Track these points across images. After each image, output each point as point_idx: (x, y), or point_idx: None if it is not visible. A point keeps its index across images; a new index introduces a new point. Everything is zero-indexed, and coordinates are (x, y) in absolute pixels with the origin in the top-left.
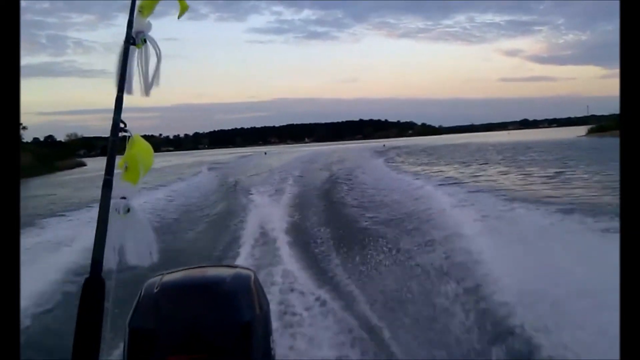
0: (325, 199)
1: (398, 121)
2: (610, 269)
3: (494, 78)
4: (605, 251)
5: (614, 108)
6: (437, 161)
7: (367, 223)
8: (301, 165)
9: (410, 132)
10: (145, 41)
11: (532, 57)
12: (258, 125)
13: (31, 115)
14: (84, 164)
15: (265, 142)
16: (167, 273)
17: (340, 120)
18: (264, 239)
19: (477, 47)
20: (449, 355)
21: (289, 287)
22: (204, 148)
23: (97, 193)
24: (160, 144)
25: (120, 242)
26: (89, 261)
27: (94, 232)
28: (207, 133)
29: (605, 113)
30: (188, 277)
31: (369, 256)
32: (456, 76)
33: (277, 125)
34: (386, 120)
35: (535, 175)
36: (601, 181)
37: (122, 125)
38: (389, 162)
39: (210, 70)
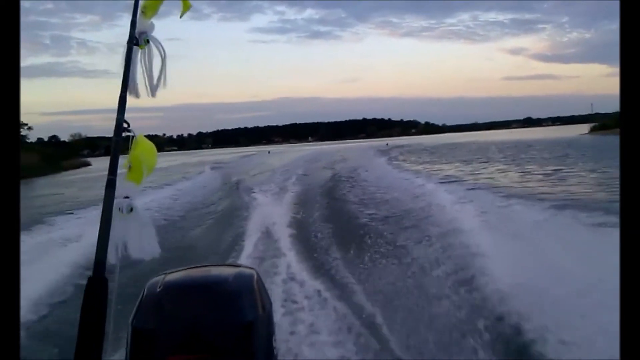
0: (328, 197)
1: (401, 120)
2: (599, 261)
3: (498, 76)
4: (594, 244)
5: (618, 106)
6: (438, 160)
7: (366, 220)
8: (304, 165)
9: (413, 131)
10: (148, 42)
11: (536, 55)
12: (261, 125)
13: (35, 115)
14: (88, 164)
15: (269, 142)
16: (170, 272)
17: (343, 120)
18: (267, 234)
19: (480, 45)
20: (440, 341)
21: (290, 277)
22: (207, 148)
23: (103, 192)
24: (163, 143)
25: (123, 242)
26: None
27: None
28: (210, 133)
29: (610, 111)
30: (190, 277)
31: (367, 250)
32: (459, 75)
33: (280, 124)
34: (389, 119)
35: (533, 173)
36: (597, 178)
37: (125, 125)
38: (391, 161)
39: (213, 70)
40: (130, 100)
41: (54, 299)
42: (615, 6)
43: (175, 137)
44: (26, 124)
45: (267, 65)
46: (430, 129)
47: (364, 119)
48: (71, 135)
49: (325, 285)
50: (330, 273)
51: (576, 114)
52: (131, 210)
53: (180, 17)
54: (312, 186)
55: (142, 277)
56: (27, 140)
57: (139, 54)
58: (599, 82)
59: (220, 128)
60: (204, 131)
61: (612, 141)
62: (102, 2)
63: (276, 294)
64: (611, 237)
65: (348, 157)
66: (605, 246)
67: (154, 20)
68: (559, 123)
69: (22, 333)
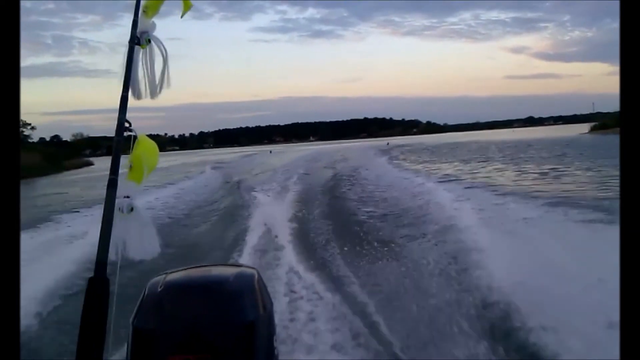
0: (328, 195)
1: (403, 119)
2: (589, 255)
3: (499, 75)
4: (585, 240)
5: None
6: (438, 159)
7: (366, 217)
8: (305, 164)
9: (415, 130)
10: (149, 41)
11: (538, 54)
12: (263, 124)
13: (36, 115)
14: (91, 164)
15: (270, 141)
16: (171, 272)
17: (344, 119)
18: (269, 232)
19: (482, 44)
20: (435, 334)
21: (291, 274)
22: (209, 147)
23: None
24: (165, 143)
25: (124, 242)
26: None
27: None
28: (212, 132)
29: (612, 110)
30: (191, 277)
31: (367, 247)
32: (461, 74)
33: (281, 124)
34: (391, 119)
35: (530, 172)
36: (591, 177)
37: (127, 124)
38: (391, 160)
39: (215, 69)
40: (131, 100)
41: (57, 297)
42: (617, 5)
43: (176, 136)
44: (29, 124)
45: (268, 64)
46: (431, 128)
47: (366, 119)
48: (73, 135)
49: (325, 281)
50: (331, 270)
51: (578, 113)
52: (131, 210)
53: (182, 17)
54: (313, 185)
55: (143, 277)
56: (30, 140)
57: (140, 54)
58: (601, 81)
59: (221, 128)
60: (206, 131)
61: (611, 140)
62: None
63: (277, 290)
64: (601, 233)
65: (349, 157)
66: (596, 242)
67: (155, 20)
68: (560, 122)
69: (23, 333)
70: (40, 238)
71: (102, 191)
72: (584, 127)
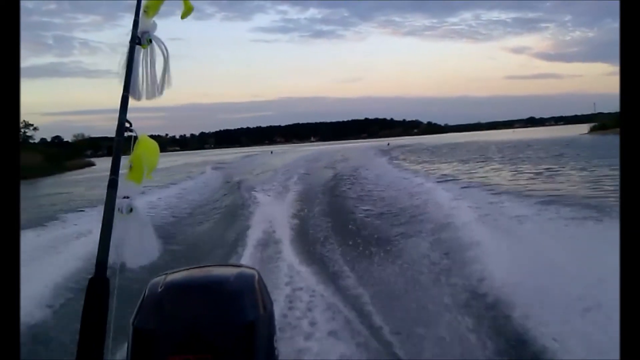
0: (329, 194)
1: (404, 120)
2: (576, 249)
3: (500, 76)
4: (573, 235)
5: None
6: (437, 159)
7: (365, 215)
8: (306, 164)
9: (415, 130)
10: (150, 41)
11: (539, 54)
12: (263, 125)
13: (37, 115)
14: (93, 164)
15: (271, 142)
16: (171, 272)
17: (345, 120)
18: (270, 230)
19: (483, 44)
20: (431, 329)
21: (291, 268)
22: (210, 148)
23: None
24: (166, 143)
25: (124, 242)
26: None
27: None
28: (213, 133)
29: (613, 110)
30: (192, 277)
31: (365, 245)
32: (462, 74)
33: (282, 124)
34: (392, 119)
35: (526, 171)
36: (584, 176)
37: (127, 125)
38: (391, 161)
39: (216, 69)
40: (132, 101)
41: (64, 293)
42: (618, 5)
43: (177, 137)
44: (32, 125)
45: (269, 65)
46: (432, 128)
47: (366, 119)
48: (74, 136)
49: (325, 281)
50: (332, 269)
51: (579, 113)
52: (131, 210)
53: (182, 18)
54: (313, 185)
55: (143, 277)
56: (31, 141)
57: (141, 54)
58: (602, 81)
59: (222, 128)
60: (207, 131)
61: (609, 141)
62: (105, 2)
63: (277, 290)
64: (591, 229)
65: (349, 157)
66: (585, 238)
67: (156, 20)
68: (561, 122)
69: (23, 333)
70: (47, 236)
71: (105, 191)
72: (584, 128)
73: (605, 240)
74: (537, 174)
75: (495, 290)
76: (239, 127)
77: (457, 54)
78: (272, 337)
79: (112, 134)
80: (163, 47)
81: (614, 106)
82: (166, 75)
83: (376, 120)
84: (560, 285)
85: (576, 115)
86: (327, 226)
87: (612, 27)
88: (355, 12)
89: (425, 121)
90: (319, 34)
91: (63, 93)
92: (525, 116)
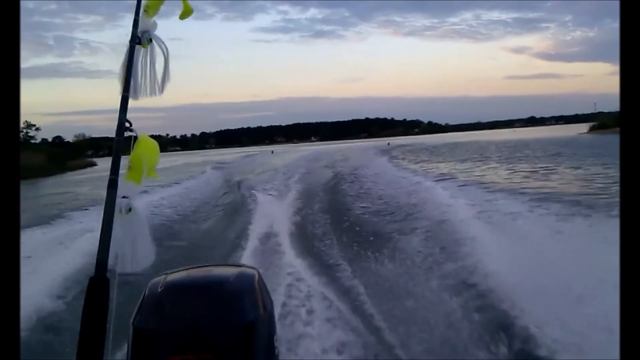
0: (329, 193)
1: (404, 119)
2: (564, 243)
3: (501, 76)
4: (562, 230)
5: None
6: (436, 159)
7: (364, 213)
8: (306, 164)
9: (416, 130)
10: (150, 40)
11: (539, 54)
12: (264, 125)
13: (38, 115)
14: (94, 164)
15: (272, 141)
16: (171, 272)
17: (346, 119)
18: (270, 229)
19: (483, 44)
20: (428, 324)
21: (292, 268)
22: (210, 148)
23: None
24: (166, 143)
25: (124, 242)
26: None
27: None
28: (213, 133)
29: (613, 110)
30: (192, 277)
31: (364, 240)
32: (462, 74)
33: (283, 124)
34: (392, 119)
35: (522, 170)
36: (578, 175)
37: (127, 125)
38: (391, 160)
39: (216, 69)
40: (132, 101)
41: (63, 292)
42: (618, 4)
43: (178, 137)
44: (34, 125)
45: (269, 65)
46: (432, 128)
47: (367, 119)
48: (75, 136)
49: (325, 281)
50: (332, 268)
51: (580, 112)
52: (129, 210)
53: (180, 18)
54: (314, 184)
55: (143, 277)
56: (33, 141)
57: (141, 54)
58: (603, 80)
59: (223, 128)
60: (207, 131)
61: (608, 140)
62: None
63: (278, 289)
64: (579, 225)
65: (349, 157)
66: (574, 232)
67: (157, 20)
68: (562, 122)
69: (23, 333)
70: (54, 233)
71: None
72: (584, 127)
73: (593, 234)
74: (532, 172)
75: (488, 281)
76: (240, 127)
77: (457, 54)
78: (272, 337)
79: (113, 134)
80: (163, 46)
81: (614, 106)
82: (166, 73)
83: (377, 120)
84: (552, 278)
85: (577, 115)
86: (327, 224)
87: (612, 27)
88: (356, 12)
89: (425, 121)
90: (319, 34)
91: (64, 93)
92: (525, 116)
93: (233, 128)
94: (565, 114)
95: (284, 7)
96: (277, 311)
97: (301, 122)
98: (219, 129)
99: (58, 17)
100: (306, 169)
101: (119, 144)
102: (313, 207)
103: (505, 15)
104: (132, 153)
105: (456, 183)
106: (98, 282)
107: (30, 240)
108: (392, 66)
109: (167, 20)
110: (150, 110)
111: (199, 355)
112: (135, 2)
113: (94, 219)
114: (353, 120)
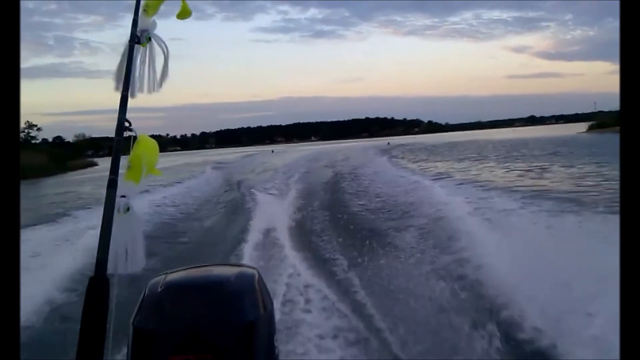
0: (329, 192)
1: (404, 119)
2: (555, 237)
3: (501, 75)
4: (551, 225)
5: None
6: (434, 158)
7: (363, 211)
8: (307, 164)
9: (416, 130)
10: (150, 40)
11: (540, 53)
12: (264, 125)
13: (38, 116)
14: (95, 164)
15: (272, 141)
16: (171, 272)
17: (346, 119)
18: (271, 228)
19: (483, 44)
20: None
21: (292, 267)
22: (210, 147)
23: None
24: (167, 143)
25: (120, 242)
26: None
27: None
28: (213, 133)
29: (613, 109)
30: (192, 277)
31: (363, 237)
32: (463, 73)
33: (283, 124)
34: (392, 118)
35: (517, 169)
36: (571, 174)
37: (127, 124)
38: (390, 159)
39: (216, 69)
40: (132, 100)
41: (64, 292)
42: (619, 4)
43: (178, 137)
44: (35, 125)
45: (270, 64)
46: (433, 127)
47: (367, 118)
48: (75, 136)
49: (325, 279)
50: (332, 266)
51: (580, 112)
52: (127, 209)
53: (177, 17)
54: (314, 184)
55: (143, 277)
56: (34, 142)
57: (139, 53)
58: (603, 79)
59: (223, 128)
60: (207, 131)
61: (605, 139)
62: (105, 3)
63: (278, 289)
64: (569, 220)
65: (349, 156)
66: (564, 228)
67: (157, 20)
68: (562, 121)
69: (23, 333)
70: (60, 231)
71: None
72: (583, 126)
73: (582, 229)
74: (526, 171)
75: (480, 273)
76: (240, 127)
77: (457, 53)
78: (272, 337)
79: (113, 134)
80: (163, 45)
81: (614, 105)
82: (166, 71)
83: (377, 119)
84: (542, 268)
85: (577, 114)
86: (327, 223)
87: (612, 26)
88: (356, 12)
89: (426, 120)
90: (319, 34)
91: (64, 93)
92: (526, 115)
93: (233, 128)
94: (565, 113)
95: (284, 7)
96: (277, 307)
97: (301, 122)
98: (219, 129)
99: (58, 17)
100: (306, 168)
101: (118, 143)
102: (314, 209)
103: (506, 15)
104: (131, 153)
105: (453, 182)
106: (98, 282)
107: (37, 237)
108: (392, 66)
109: (167, 20)
110: (151, 110)
111: (199, 355)
112: (135, 1)
113: (98, 218)
114: (353, 120)
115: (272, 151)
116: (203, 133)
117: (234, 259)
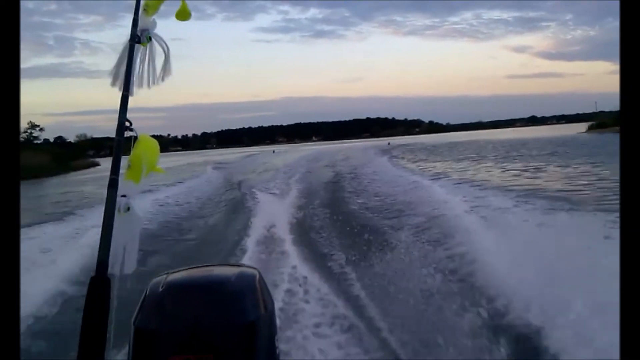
0: (329, 191)
1: (405, 119)
2: (547, 233)
3: (502, 75)
4: (542, 223)
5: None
6: (433, 158)
7: (355, 207)
8: (307, 164)
9: (417, 130)
10: (150, 39)
11: (540, 53)
12: (265, 125)
13: (38, 116)
14: (98, 164)
15: (273, 141)
16: (172, 272)
17: (347, 119)
18: (271, 228)
19: (484, 44)
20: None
21: (293, 267)
22: (212, 147)
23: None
24: (168, 143)
25: (118, 242)
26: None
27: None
28: (214, 133)
29: (614, 109)
30: (193, 277)
31: (362, 235)
32: (463, 73)
33: (284, 124)
34: (393, 119)
35: (513, 169)
36: (566, 173)
37: (128, 124)
38: (390, 159)
39: (217, 69)
40: (133, 101)
41: (66, 290)
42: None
43: (179, 137)
44: (38, 125)
45: (270, 64)
46: (434, 128)
47: (368, 119)
48: (77, 136)
49: (325, 279)
50: (332, 266)
51: (581, 111)
52: (128, 209)
53: (176, 18)
54: (314, 183)
55: (144, 276)
56: (37, 142)
57: (140, 52)
58: (604, 79)
59: (224, 128)
60: (209, 131)
61: (604, 139)
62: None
63: (279, 289)
64: (561, 218)
65: (350, 156)
66: (556, 225)
67: (157, 20)
68: (563, 121)
69: (24, 333)
70: (66, 229)
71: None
72: (583, 127)
73: (573, 226)
74: (522, 170)
75: (475, 266)
76: (241, 127)
77: (458, 53)
78: (273, 336)
79: (114, 134)
80: (163, 44)
81: (615, 105)
82: (168, 66)
83: (378, 119)
84: (535, 261)
85: (578, 114)
86: (327, 220)
87: (613, 26)
88: (356, 12)
89: (426, 120)
90: (320, 34)
91: (64, 93)
92: (527, 115)
93: (234, 128)
94: (566, 113)
95: (285, 7)
96: (277, 298)
97: (302, 122)
98: (220, 129)
99: (58, 17)
100: (307, 168)
101: (119, 143)
102: (315, 208)
103: (506, 15)
104: (132, 152)
105: (451, 181)
106: (99, 281)
107: (45, 235)
108: (392, 66)
109: (167, 20)
110: (151, 111)
111: (200, 355)
112: (135, 1)
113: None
114: (354, 120)
115: (274, 151)
116: (204, 133)
117: (237, 255)
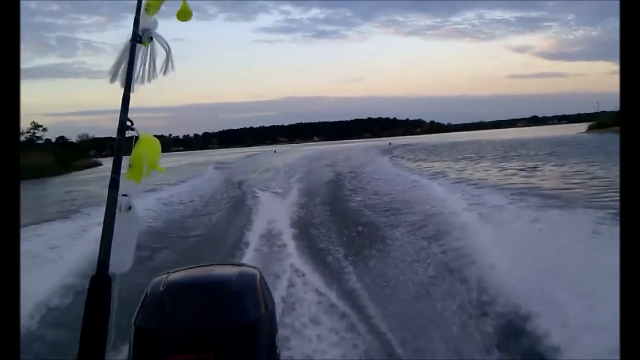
0: (329, 190)
1: (407, 119)
2: (540, 230)
3: (503, 75)
4: (535, 219)
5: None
6: (432, 158)
7: (354, 205)
8: (308, 163)
9: (418, 130)
10: (151, 39)
11: (542, 53)
12: (267, 125)
13: (40, 116)
14: (100, 164)
15: (274, 141)
16: (173, 272)
17: (348, 119)
18: (272, 227)
19: (485, 44)
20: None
21: (293, 267)
22: (213, 147)
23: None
24: (170, 143)
25: (117, 241)
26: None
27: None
28: (216, 133)
29: (615, 109)
30: (193, 276)
31: (362, 233)
32: (465, 73)
33: (285, 124)
34: (395, 119)
35: (511, 168)
36: (563, 172)
37: (129, 124)
38: (390, 159)
39: (219, 70)
40: (134, 100)
41: (67, 289)
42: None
43: (181, 137)
44: (41, 125)
45: (272, 65)
46: (435, 128)
47: (369, 119)
48: (78, 136)
49: (325, 278)
50: (332, 265)
51: (582, 112)
52: (129, 208)
53: (177, 18)
54: (315, 183)
55: (145, 276)
56: (39, 142)
57: (141, 52)
58: (605, 79)
59: (225, 128)
60: (210, 131)
61: (604, 139)
62: (107, 3)
63: (279, 289)
64: (553, 215)
65: (351, 156)
66: (548, 221)
67: (159, 21)
68: (565, 121)
69: (24, 333)
70: (71, 227)
71: (120, 189)
72: (584, 127)
73: (565, 222)
74: (519, 170)
75: (471, 261)
76: (242, 127)
77: (459, 53)
78: (273, 336)
79: (115, 134)
80: (165, 43)
81: (616, 105)
82: (169, 63)
83: (379, 119)
84: (534, 260)
85: (579, 114)
86: (327, 219)
87: (614, 26)
88: (358, 12)
89: (428, 120)
90: (321, 34)
91: (66, 93)
92: (528, 115)
93: (235, 128)
94: (567, 113)
95: (286, 7)
96: (278, 294)
97: (303, 122)
98: (221, 129)
99: (60, 18)
100: (308, 168)
101: (120, 143)
102: (315, 208)
103: (508, 15)
104: (133, 152)
105: (449, 180)
106: (99, 281)
107: (52, 232)
108: (394, 66)
109: (169, 20)
110: (153, 110)
111: (200, 355)
112: (136, 1)
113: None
114: (355, 120)
115: (275, 151)
116: (206, 133)
117: (240, 249)
